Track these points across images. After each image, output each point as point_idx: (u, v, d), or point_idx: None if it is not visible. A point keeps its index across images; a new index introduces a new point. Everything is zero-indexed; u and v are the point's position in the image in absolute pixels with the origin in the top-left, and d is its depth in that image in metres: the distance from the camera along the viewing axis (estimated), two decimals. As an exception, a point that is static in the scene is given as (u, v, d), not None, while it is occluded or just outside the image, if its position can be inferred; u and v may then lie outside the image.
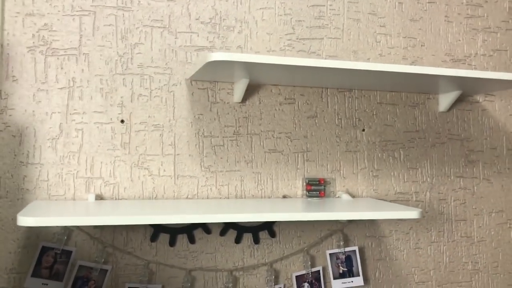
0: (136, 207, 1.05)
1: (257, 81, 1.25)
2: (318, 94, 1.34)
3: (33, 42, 1.13)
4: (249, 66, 1.05)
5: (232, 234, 1.24)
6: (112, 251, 1.16)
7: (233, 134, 1.26)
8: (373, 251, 1.35)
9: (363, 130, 1.37)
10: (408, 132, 1.41)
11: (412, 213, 1.07)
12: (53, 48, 1.14)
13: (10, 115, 1.11)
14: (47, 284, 1.09)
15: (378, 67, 1.08)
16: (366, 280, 1.33)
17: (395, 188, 1.38)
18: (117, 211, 0.99)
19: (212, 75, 1.18)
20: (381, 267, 1.36)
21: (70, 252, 1.12)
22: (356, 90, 1.37)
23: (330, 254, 1.30)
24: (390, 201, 1.37)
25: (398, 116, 1.40)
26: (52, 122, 1.13)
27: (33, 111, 1.12)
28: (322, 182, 1.31)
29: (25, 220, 0.85)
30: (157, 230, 1.18)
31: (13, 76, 1.11)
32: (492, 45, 1.50)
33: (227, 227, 1.23)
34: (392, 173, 1.39)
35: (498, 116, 1.49)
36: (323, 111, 1.34)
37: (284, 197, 1.29)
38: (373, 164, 1.37)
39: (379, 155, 1.38)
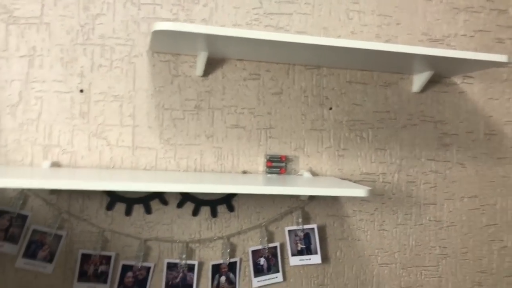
0: (93, 174, 1.07)
1: (220, 55, 1.25)
2: (285, 70, 1.32)
3: (-5, 10, 1.15)
4: (207, 39, 1.04)
5: (189, 206, 1.25)
6: (67, 218, 1.18)
7: (194, 108, 1.26)
8: (335, 230, 1.35)
9: (330, 108, 1.35)
10: (378, 112, 1.38)
11: (360, 191, 1.06)
12: (15, 17, 1.16)
13: (-30, 81, 1.13)
14: (2, 246, 1.12)
15: (348, 43, 1.06)
16: (325, 258, 1.33)
17: (361, 169, 1.37)
18: (73, 177, 1.01)
19: (173, 47, 1.18)
20: (342, 246, 1.35)
21: (25, 217, 1.15)
22: (325, 68, 1.35)
23: (289, 230, 1.30)
24: (355, 181, 1.36)
25: (368, 95, 1.37)
26: (12, 89, 1.16)
27: (-7, 77, 1.15)
28: (284, 159, 1.30)
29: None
30: (113, 199, 1.20)
31: (-26, 43, 1.14)
32: (474, 26, 1.44)
33: (184, 199, 1.24)
34: (359, 153, 1.37)
35: (476, 99, 1.45)
36: (289, 88, 1.32)
37: (244, 172, 1.29)
38: (339, 143, 1.35)
39: (346, 134, 1.36)
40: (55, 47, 1.18)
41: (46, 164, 1.14)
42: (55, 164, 1.18)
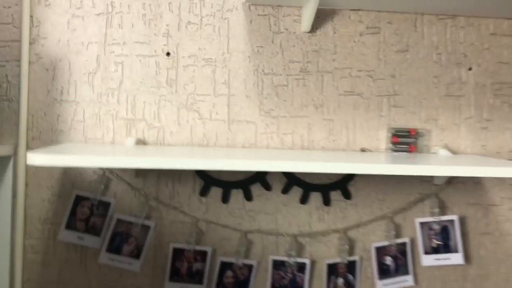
0: (184, 153, 0.87)
1: (331, 4, 1.00)
2: (411, 21, 1.05)
3: (68, -39, 0.97)
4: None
5: (296, 192, 1.02)
6: (156, 205, 1.00)
7: (300, 72, 1.02)
8: (477, 222, 1.06)
9: (470, 69, 1.06)
10: (532, 71, 1.07)
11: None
12: (90, -32, 0.98)
13: (43, 45, 0.97)
14: (83, 238, 0.95)
15: None
16: (466, 258, 1.05)
17: (511, 145, 1.07)
18: (161, 155, 0.81)
19: (274, -5, 0.95)
20: (487, 243, 1.07)
21: (108, 204, 0.97)
22: (461, 17, 1.06)
23: (421, 223, 1.04)
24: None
25: (518, 50, 1.07)
26: (89, 54, 0.98)
27: (68, 40, 0.97)
28: (413, 133, 1.03)
29: (33, 158, 0.70)
30: (208, 182, 1.00)
31: (46, 0, 0.97)
32: None
33: (290, 183, 1.02)
34: (507, 125, 1.07)
35: None
36: (416, 43, 1.05)
37: (363, 150, 1.04)
38: (482, 112, 1.07)
39: (491, 101, 1.07)
40: (135, 2, 0.99)
41: (130, 141, 0.96)
42: (140, 142, 0.99)
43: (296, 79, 1.02)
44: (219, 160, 0.76)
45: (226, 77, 1.01)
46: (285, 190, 1.02)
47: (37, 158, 0.70)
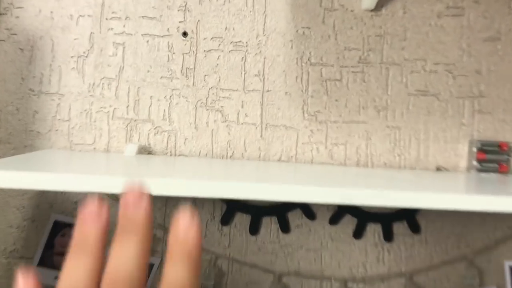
0: (202, 169, 0.62)
1: (403, -26, 0.75)
2: (504, 1, 0.80)
3: None
4: None
5: (349, 223, 0.77)
6: (162, 236, 0.74)
7: (358, 63, 0.77)
8: None
9: None
10: None
11: None
12: None
13: (17, 17, 0.72)
14: (62, 279, 0.70)
15: None
16: None
17: None
18: (172, 173, 0.57)
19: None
20: None
21: (98, 233, 0.72)
22: None
23: (511, 267, 0.78)
24: None
25: None
26: (79, 31, 0.73)
27: (51, 12, 0.73)
28: (505, 148, 0.78)
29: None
30: (232, 207, 0.75)
31: (24, -43, 0.72)
32: None
33: (341, 211, 0.77)
34: None
35: None
36: (510, 30, 0.80)
37: (438, 169, 0.79)
38: None
39: None
40: (144, -36, 0.74)
41: (131, 149, 0.71)
42: (144, 150, 0.74)
43: (352, 72, 0.77)
44: (248, 185, 0.52)
45: (260, 67, 0.76)
46: (334, 220, 0.77)
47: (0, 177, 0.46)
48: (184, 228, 0.24)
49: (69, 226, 0.71)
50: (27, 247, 0.72)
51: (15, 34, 0.72)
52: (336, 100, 0.77)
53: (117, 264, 0.23)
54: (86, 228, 0.24)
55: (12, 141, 0.72)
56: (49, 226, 0.71)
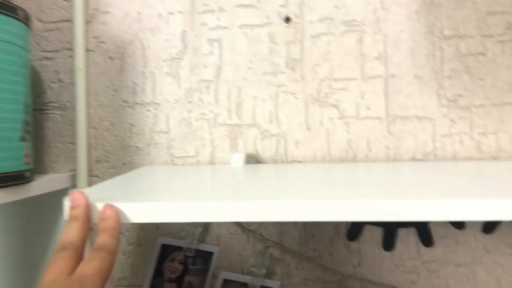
0: (319, 179, 0.51)
1: None
2: None
3: None
4: None
5: (508, 230, 0.62)
6: (280, 256, 0.64)
7: (506, 29, 0.61)
8: None
9: None
10: None
11: None
12: None
13: (104, 23, 0.65)
14: (175, 308, 0.63)
15: None
16: None
17: None
18: (285, 187, 0.46)
19: None
20: None
21: (209, 255, 0.64)
22: None
23: None
24: None
25: None
26: (170, 30, 0.65)
27: (139, 13, 0.65)
28: None
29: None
30: (359, 219, 0.63)
31: (105, -44, 0.65)
32: None
33: (499, 216, 0.61)
34: None
35: None
36: None
37: None
38: None
39: None
40: None
41: (238, 159, 0.61)
42: (252, 159, 0.64)
43: (499, 42, 0.61)
44: (379, 202, 0.39)
45: (381, 48, 0.63)
46: (488, 228, 0.62)
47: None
48: (103, 211, 0.36)
49: (178, 249, 0.64)
50: (135, 274, 0.66)
51: (103, 42, 0.65)
52: (481, 79, 0.62)
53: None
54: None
55: (110, 159, 0.66)
56: (157, 250, 0.64)
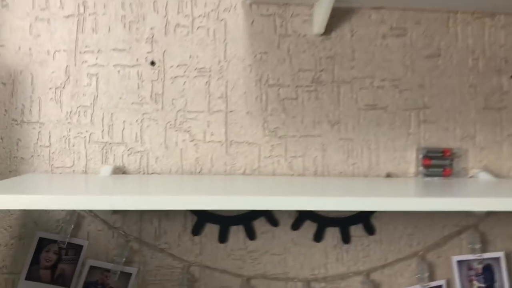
0: (173, 185, 0.70)
1: (349, 2, 0.83)
2: (443, 21, 0.88)
3: (29, -48, 0.80)
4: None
5: (309, 227, 0.85)
6: (138, 248, 0.82)
7: (312, 82, 0.85)
8: (525, 260, 0.89)
9: (512, 76, 0.90)
10: None
11: None
12: (56, -40, 0.81)
13: (-1, 55, 0.79)
14: (49, 291, 0.77)
15: None
16: (515, 304, 0.88)
17: None
18: (144, 189, 0.64)
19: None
20: (538, 284, 0.89)
21: (80, 247, 0.79)
22: (502, 16, 0.89)
23: (458, 262, 0.86)
24: (556, 185, 0.89)
25: None
26: (56, 64, 0.81)
27: (30, 48, 0.80)
28: (448, 154, 0.86)
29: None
30: (201, 219, 0.82)
31: (3, 0, 0.80)
32: None
33: (302, 217, 0.84)
34: (557, 143, 0.90)
35: None
36: (449, 47, 0.88)
37: (388, 175, 0.87)
38: (528, 128, 0.90)
39: (538, 114, 0.90)
40: (113, 1, 0.82)
41: (106, 170, 0.78)
42: (119, 170, 0.81)
43: (307, 91, 0.85)
44: (216, 198, 0.60)
45: (223, 90, 0.84)
46: (295, 226, 0.85)
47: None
48: None
49: (53, 242, 0.78)
50: (15, 263, 0.79)
51: (-3, 70, 0.79)
52: (293, 117, 0.85)
53: None
54: None
55: (-2, 167, 0.79)
56: (35, 243, 0.78)
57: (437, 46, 0.88)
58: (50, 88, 0.80)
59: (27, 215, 0.80)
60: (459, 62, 0.88)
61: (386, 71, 0.87)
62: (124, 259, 0.80)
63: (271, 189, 0.68)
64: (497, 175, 0.89)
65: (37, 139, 0.80)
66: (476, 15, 0.89)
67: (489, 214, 0.88)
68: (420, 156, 0.86)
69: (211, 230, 0.83)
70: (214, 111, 0.84)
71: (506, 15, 0.89)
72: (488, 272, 0.86)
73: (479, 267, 0.86)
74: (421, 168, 0.86)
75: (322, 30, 0.84)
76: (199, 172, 0.83)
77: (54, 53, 0.81)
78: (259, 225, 0.84)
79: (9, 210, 0.79)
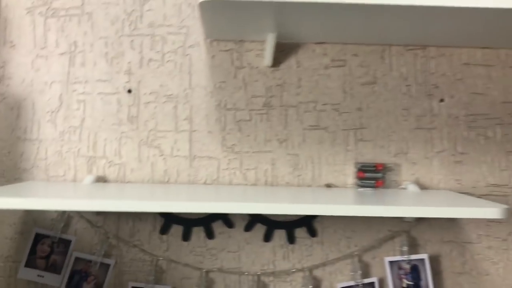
0: (145, 191, 0.87)
1: (295, 38, 0.99)
2: (378, 53, 1.02)
3: (32, 2, 1.00)
4: (274, 10, 0.80)
5: (260, 229, 1.00)
6: (116, 243, 0.99)
7: (263, 107, 1.01)
8: (453, 261, 1.01)
9: (442, 100, 1.02)
10: (508, 103, 1.03)
11: (492, 211, 0.74)
12: (54, 8, 1.00)
13: (8, 85, 0.99)
14: (43, 276, 0.96)
15: (467, 2, 0.75)
16: (440, 300, 1.00)
17: (487, 179, 1.02)
18: (122, 195, 0.81)
19: (234, 31, 0.95)
20: (464, 283, 1.01)
21: (69, 242, 0.97)
22: (432, 48, 1.03)
23: (390, 262, 0.99)
24: (479, 195, 1.01)
25: (493, 81, 1.03)
26: (52, 93, 0.99)
27: (32, 80, 0.99)
28: (380, 168, 1.00)
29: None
30: (168, 220, 0.99)
31: (11, 42, 0.99)
32: None
33: (253, 220, 1.00)
34: (483, 159, 1.02)
35: None
36: (384, 75, 1.02)
37: (328, 186, 1.01)
38: (456, 145, 1.02)
39: (465, 133, 1.02)
40: (98, 40, 1.00)
41: (89, 179, 0.96)
42: (101, 179, 0.99)
43: (259, 114, 1.01)
44: (180, 203, 0.76)
45: (188, 113, 1.00)
46: (248, 228, 1.00)
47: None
48: None
49: (47, 237, 0.97)
50: (17, 253, 0.98)
51: (6, 97, 0.99)
52: (248, 136, 1.01)
53: None
54: None
55: (6, 175, 0.98)
56: (32, 237, 0.97)
57: (373, 75, 1.02)
58: (47, 112, 0.99)
59: (27, 214, 0.98)
60: (394, 88, 1.02)
61: (328, 97, 1.02)
62: (103, 252, 0.97)
63: (227, 196, 0.84)
64: (427, 187, 1.02)
65: (36, 153, 0.99)
66: (409, 47, 1.02)
67: (420, 221, 1.01)
68: (356, 169, 1.00)
69: (176, 230, 1.00)
70: (180, 130, 1.00)
71: (436, 47, 1.02)
72: (415, 271, 0.98)
73: (407, 267, 0.99)
74: (356, 180, 1.00)
75: (271, 63, 1.00)
76: (167, 181, 1.00)
77: (51, 83, 0.99)
78: (217, 226, 1.00)
79: (14, 210, 0.98)
